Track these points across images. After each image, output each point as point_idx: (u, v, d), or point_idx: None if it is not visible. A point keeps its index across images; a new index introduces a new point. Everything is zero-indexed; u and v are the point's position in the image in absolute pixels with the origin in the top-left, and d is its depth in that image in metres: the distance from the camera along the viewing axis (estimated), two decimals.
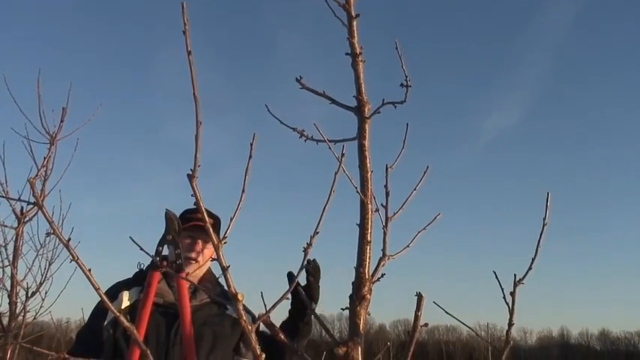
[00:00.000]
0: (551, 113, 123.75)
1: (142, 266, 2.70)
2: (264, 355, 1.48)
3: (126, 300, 2.55)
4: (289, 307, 2.70)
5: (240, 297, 1.41)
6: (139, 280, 2.63)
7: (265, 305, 1.51)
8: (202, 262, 2.72)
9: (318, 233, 1.51)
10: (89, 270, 1.43)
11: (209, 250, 2.74)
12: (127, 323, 1.45)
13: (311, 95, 1.76)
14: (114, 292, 2.56)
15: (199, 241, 2.72)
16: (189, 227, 2.67)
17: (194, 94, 1.34)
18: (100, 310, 2.59)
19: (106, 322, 2.51)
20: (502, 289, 1.70)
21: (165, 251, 2.57)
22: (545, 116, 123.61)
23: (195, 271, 2.69)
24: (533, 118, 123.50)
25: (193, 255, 2.69)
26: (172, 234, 2.53)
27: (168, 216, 2.55)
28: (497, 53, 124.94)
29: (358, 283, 1.59)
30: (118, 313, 1.43)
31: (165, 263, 2.52)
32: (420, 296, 1.52)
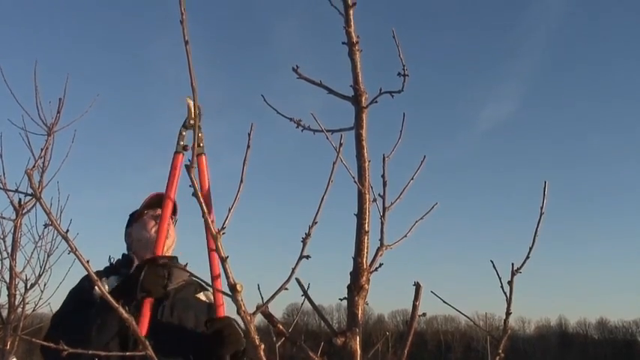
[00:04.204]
0: (547, 102, 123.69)
1: (112, 260, 2.76)
2: (262, 346, 1.49)
3: (105, 286, 2.55)
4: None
5: (239, 287, 1.42)
6: (111, 271, 2.64)
7: (262, 297, 1.51)
8: (171, 239, 2.76)
9: (316, 223, 1.51)
10: (87, 261, 1.44)
11: (173, 231, 2.81)
12: (125, 315, 1.45)
13: (308, 86, 1.75)
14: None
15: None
16: (159, 205, 2.72)
17: (192, 84, 1.34)
18: (84, 295, 2.55)
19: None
20: (500, 279, 1.70)
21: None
22: (541, 105, 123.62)
23: (168, 245, 2.71)
24: (530, 107, 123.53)
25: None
26: (193, 119, 2.58)
27: (188, 103, 2.61)
28: (493, 42, 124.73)
29: (356, 273, 1.59)
30: (117, 305, 1.43)
31: (187, 147, 2.59)
32: (417, 286, 1.53)
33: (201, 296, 2.71)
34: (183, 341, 2.49)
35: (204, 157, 2.63)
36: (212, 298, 2.69)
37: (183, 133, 2.62)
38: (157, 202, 2.79)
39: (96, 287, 2.42)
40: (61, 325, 2.43)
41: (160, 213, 2.73)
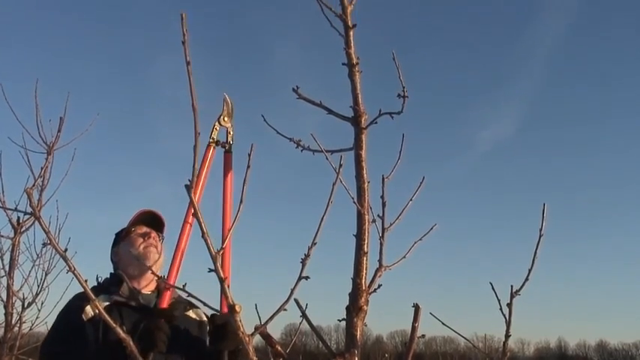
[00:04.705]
0: (546, 124, 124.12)
1: (100, 279, 2.74)
2: None
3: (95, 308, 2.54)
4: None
5: (237, 308, 1.41)
6: (100, 291, 2.63)
7: (260, 318, 1.51)
8: (159, 253, 2.75)
9: (315, 244, 1.51)
10: (85, 281, 1.43)
11: (161, 246, 2.80)
12: (123, 335, 1.45)
13: (308, 105, 1.76)
14: (82, 302, 2.52)
15: (152, 234, 2.78)
16: (145, 222, 2.79)
17: (192, 104, 1.34)
18: (72, 317, 2.54)
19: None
20: (499, 301, 1.70)
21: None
22: (540, 127, 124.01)
23: (157, 262, 2.70)
24: (528, 129, 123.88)
25: (151, 241, 2.74)
26: (226, 116, 2.75)
27: (225, 99, 2.77)
28: (492, 65, 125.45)
29: (355, 295, 1.58)
30: (114, 325, 1.43)
31: (220, 142, 2.74)
32: (417, 307, 1.52)
33: (192, 314, 2.70)
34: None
35: (231, 155, 2.76)
36: (202, 315, 2.70)
37: (217, 128, 2.73)
38: (143, 219, 2.81)
39: (87, 307, 2.45)
40: None
41: (145, 231, 2.74)
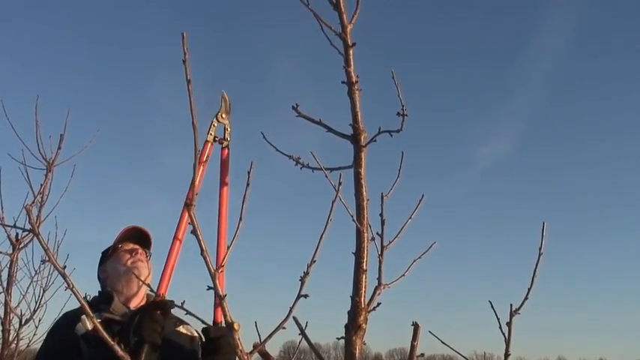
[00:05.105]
0: (545, 141, 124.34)
1: (88, 297, 2.71)
2: None
3: (88, 324, 2.52)
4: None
5: (236, 326, 1.41)
6: (90, 309, 2.61)
7: (259, 334, 1.50)
8: (148, 269, 2.75)
9: (315, 262, 1.51)
10: (84, 298, 1.43)
11: (149, 263, 2.80)
12: (121, 352, 1.44)
13: (307, 122, 1.77)
14: (73, 319, 2.50)
15: (140, 250, 2.77)
16: (132, 239, 2.79)
17: (193, 122, 1.35)
18: (64, 333, 2.52)
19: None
20: (498, 319, 1.69)
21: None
22: (539, 144, 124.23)
23: (146, 278, 2.69)
24: (527, 147, 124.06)
25: (139, 257, 2.73)
26: (224, 112, 2.81)
27: (223, 96, 2.83)
28: (491, 82, 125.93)
29: (354, 312, 1.58)
30: (112, 342, 1.43)
31: (218, 139, 2.78)
32: (416, 326, 1.52)
33: (182, 329, 2.68)
34: None
35: (228, 151, 2.80)
36: (193, 331, 2.69)
37: (215, 125, 2.76)
38: (130, 236, 2.80)
39: (79, 324, 2.43)
40: None
41: (132, 247, 2.74)
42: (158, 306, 2.40)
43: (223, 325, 2.44)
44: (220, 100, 2.81)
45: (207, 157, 2.67)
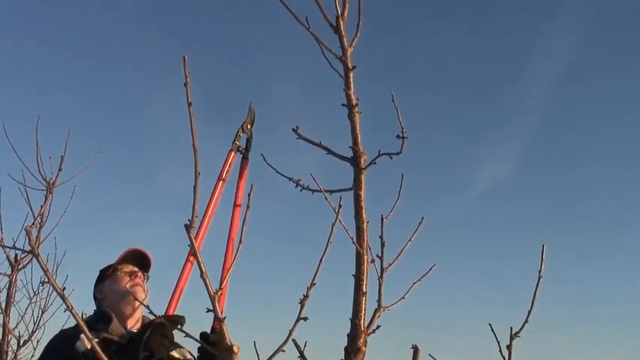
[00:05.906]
0: (544, 164, 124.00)
1: (84, 316, 2.69)
2: None
3: (87, 343, 2.51)
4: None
5: (235, 349, 1.40)
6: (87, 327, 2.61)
7: (259, 356, 1.50)
8: (145, 292, 2.75)
9: (314, 285, 1.50)
10: (83, 319, 1.43)
11: (147, 286, 2.80)
12: None
13: (307, 144, 1.77)
14: (71, 337, 2.48)
15: (139, 273, 2.77)
16: (133, 261, 2.79)
17: (193, 145, 1.35)
18: (63, 349, 2.51)
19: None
20: (498, 342, 1.69)
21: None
22: (538, 167, 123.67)
23: (144, 301, 2.68)
24: (527, 169, 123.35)
25: (138, 280, 2.73)
26: (249, 123, 2.94)
27: (250, 108, 2.96)
28: (490, 103, 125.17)
29: (353, 335, 1.57)
30: None
31: (240, 148, 2.91)
32: (415, 349, 1.51)
33: (175, 354, 2.67)
34: None
35: (247, 162, 2.93)
36: (187, 354, 2.68)
37: (240, 134, 2.89)
38: (131, 258, 2.80)
39: (79, 342, 2.42)
40: None
41: (132, 269, 2.74)
42: (172, 320, 2.40)
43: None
44: (247, 111, 2.95)
45: (230, 165, 2.74)
